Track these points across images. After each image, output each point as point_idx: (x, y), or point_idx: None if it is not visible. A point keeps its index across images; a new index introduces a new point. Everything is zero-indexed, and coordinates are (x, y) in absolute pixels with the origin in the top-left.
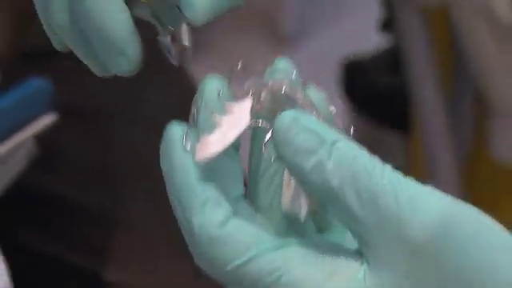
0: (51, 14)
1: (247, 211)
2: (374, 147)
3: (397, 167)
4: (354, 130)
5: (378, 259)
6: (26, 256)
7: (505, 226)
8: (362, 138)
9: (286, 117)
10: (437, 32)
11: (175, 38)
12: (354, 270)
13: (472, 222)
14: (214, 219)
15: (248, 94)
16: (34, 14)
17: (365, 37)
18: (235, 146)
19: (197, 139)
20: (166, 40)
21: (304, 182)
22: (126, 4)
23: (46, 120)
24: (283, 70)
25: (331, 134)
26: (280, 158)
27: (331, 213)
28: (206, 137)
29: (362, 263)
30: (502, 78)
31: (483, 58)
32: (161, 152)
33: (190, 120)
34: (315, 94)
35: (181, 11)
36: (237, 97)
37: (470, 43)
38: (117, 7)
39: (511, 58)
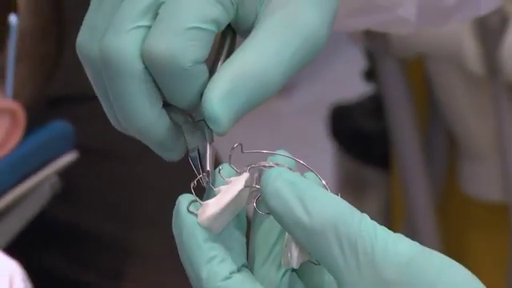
0: (106, 111)
1: (248, 277)
2: (358, 184)
3: (379, 202)
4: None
5: None
6: (45, 278)
7: (473, 253)
8: (348, 176)
9: (272, 172)
10: (414, 80)
11: (201, 155)
12: None
13: (436, 261)
14: (219, 273)
15: (246, 170)
16: (56, 62)
17: (350, 85)
18: (242, 226)
19: (201, 204)
20: (194, 157)
21: (291, 230)
22: (165, 107)
23: (68, 158)
24: (283, 157)
25: (314, 187)
26: (269, 209)
27: (316, 257)
28: (206, 201)
29: None
30: (471, 122)
31: (454, 105)
32: (173, 219)
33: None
34: (314, 179)
35: (206, 124)
36: (237, 174)
37: (442, 91)
38: (156, 113)
39: (479, 105)
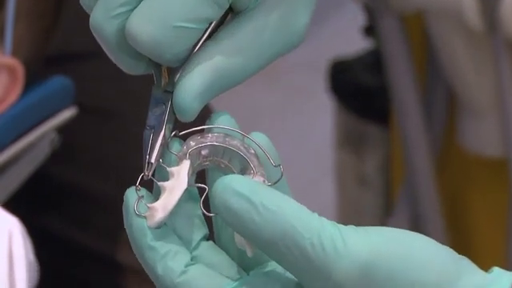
0: None
1: (208, 252)
2: (358, 139)
3: (379, 157)
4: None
5: None
6: (43, 237)
7: (471, 209)
8: (347, 131)
9: (220, 183)
10: (413, 35)
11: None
12: None
13: (393, 259)
14: (174, 269)
15: (186, 155)
16: (55, 20)
17: (350, 40)
18: (192, 195)
19: (148, 207)
20: (146, 138)
21: (244, 236)
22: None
23: (67, 114)
24: (221, 124)
25: (260, 195)
26: (221, 219)
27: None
28: (153, 204)
29: None
30: (470, 78)
31: (454, 61)
32: (123, 216)
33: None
34: (259, 140)
35: (171, 104)
36: (179, 159)
37: (442, 47)
38: (143, 69)
39: (479, 61)
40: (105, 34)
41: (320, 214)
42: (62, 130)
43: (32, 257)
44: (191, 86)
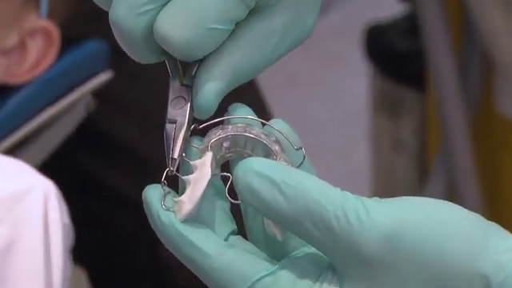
0: None
1: (239, 244)
2: (394, 104)
3: (414, 122)
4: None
5: (345, 276)
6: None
7: (506, 173)
8: (383, 96)
9: (241, 166)
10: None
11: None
12: None
13: (416, 227)
14: (210, 252)
15: (207, 148)
16: None
17: (385, 5)
18: (218, 189)
19: (175, 201)
20: (168, 133)
21: (268, 217)
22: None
23: (102, 77)
24: (240, 114)
25: (281, 173)
26: (244, 202)
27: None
28: (179, 198)
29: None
30: (506, 43)
31: (489, 24)
32: (146, 211)
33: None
34: (279, 126)
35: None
36: (201, 153)
37: (478, 11)
38: (156, 58)
39: None
40: (129, 31)
41: (355, 179)
42: (98, 93)
43: (67, 219)
44: (213, 87)
